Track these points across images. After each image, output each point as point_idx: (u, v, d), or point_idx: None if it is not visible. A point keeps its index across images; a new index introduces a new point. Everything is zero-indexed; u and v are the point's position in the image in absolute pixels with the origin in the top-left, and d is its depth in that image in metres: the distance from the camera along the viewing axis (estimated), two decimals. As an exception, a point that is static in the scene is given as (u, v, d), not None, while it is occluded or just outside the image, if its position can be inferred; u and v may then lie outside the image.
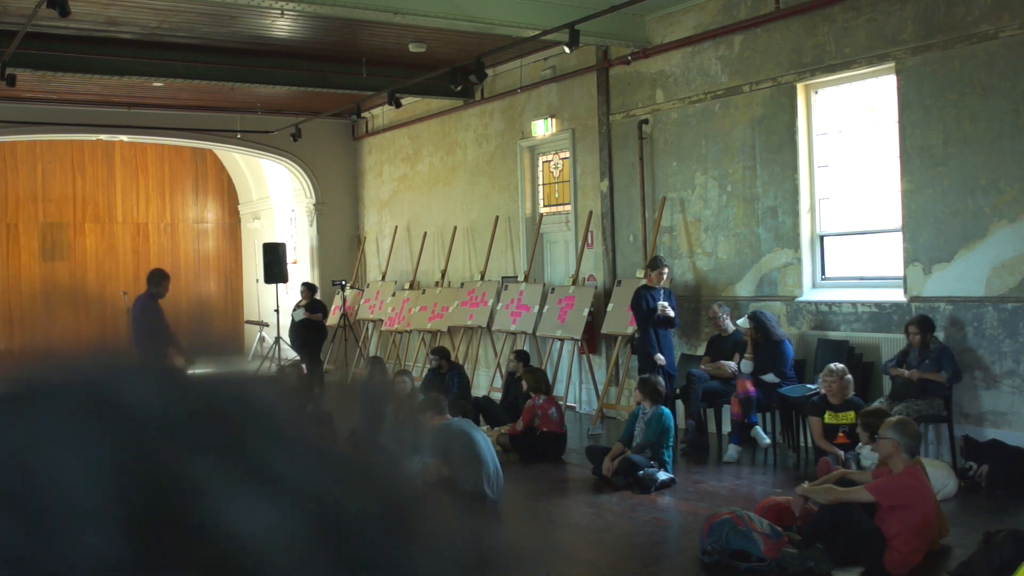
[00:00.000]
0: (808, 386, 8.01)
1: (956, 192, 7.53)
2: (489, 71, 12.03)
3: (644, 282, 9.21)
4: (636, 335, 9.36)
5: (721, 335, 8.96)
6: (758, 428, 8.06)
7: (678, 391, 8.94)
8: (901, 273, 7.99)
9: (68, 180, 18.28)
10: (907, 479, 5.17)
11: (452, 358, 10.86)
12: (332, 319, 14.70)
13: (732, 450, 8.12)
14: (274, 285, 15.60)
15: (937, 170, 7.65)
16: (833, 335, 8.42)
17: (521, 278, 12.07)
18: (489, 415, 9.58)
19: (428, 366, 11.80)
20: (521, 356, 10.25)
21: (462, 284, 13.15)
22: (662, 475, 7.25)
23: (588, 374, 10.93)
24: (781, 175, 8.92)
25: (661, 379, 8.27)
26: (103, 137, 16.02)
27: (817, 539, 5.27)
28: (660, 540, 6.12)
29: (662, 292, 8.96)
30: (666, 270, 9.03)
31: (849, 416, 7.05)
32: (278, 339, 15.31)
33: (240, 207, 19.70)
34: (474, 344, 12.45)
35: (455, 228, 13.58)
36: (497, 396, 10.65)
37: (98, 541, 0.48)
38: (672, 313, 8.87)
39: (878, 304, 8.14)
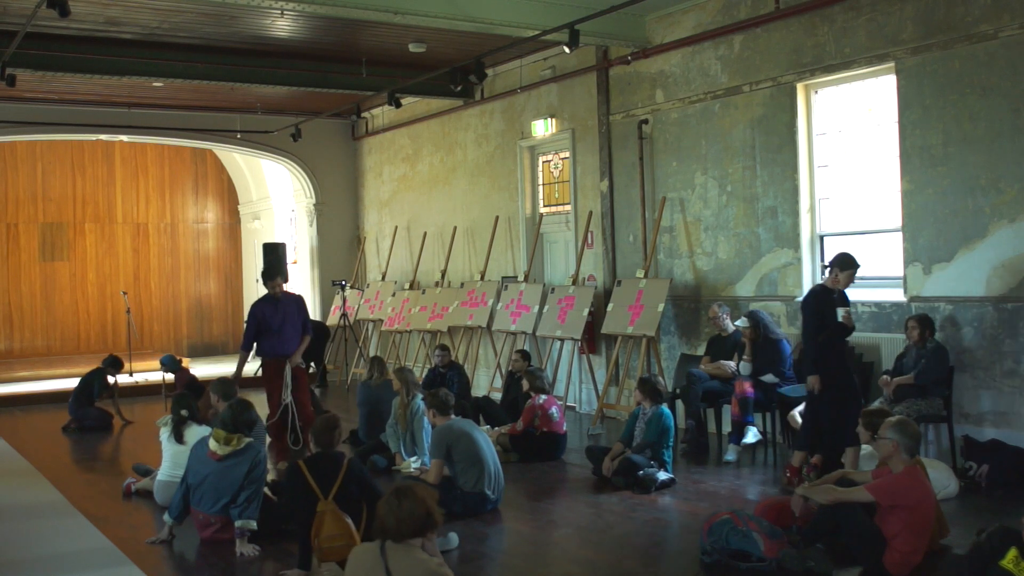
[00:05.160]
0: (808, 386, 8.00)
1: (956, 192, 7.54)
2: (489, 71, 12.04)
3: (822, 283, 7.32)
4: (799, 350, 7.54)
5: (721, 335, 8.96)
6: (750, 428, 8.05)
7: (677, 391, 8.93)
8: (901, 273, 7.99)
9: (68, 180, 18.28)
10: (907, 479, 5.17)
11: (452, 358, 10.88)
12: (332, 319, 14.72)
13: (732, 450, 8.13)
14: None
15: (937, 170, 7.65)
16: (833, 335, 8.41)
17: (521, 278, 12.07)
18: (489, 415, 9.59)
19: (428, 366, 11.81)
20: (526, 356, 10.28)
21: (462, 284, 13.15)
22: (662, 475, 7.25)
23: (588, 374, 10.93)
24: (781, 175, 8.92)
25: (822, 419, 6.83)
26: (103, 137, 16.03)
27: (817, 539, 5.28)
28: (660, 540, 6.11)
29: (836, 295, 7.10)
30: (858, 270, 7.15)
31: None
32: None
33: (240, 207, 19.70)
34: (474, 344, 12.46)
35: (455, 228, 13.58)
36: (497, 396, 10.65)
37: None
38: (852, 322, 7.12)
39: (878, 304, 8.14)
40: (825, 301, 6.98)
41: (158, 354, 17.71)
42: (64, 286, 18.26)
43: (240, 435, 6.13)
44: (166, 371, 11.78)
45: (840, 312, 6.94)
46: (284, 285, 8.88)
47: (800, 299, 8.73)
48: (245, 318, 9.50)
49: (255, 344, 8.79)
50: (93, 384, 11.22)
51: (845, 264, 7.01)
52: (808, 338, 7.03)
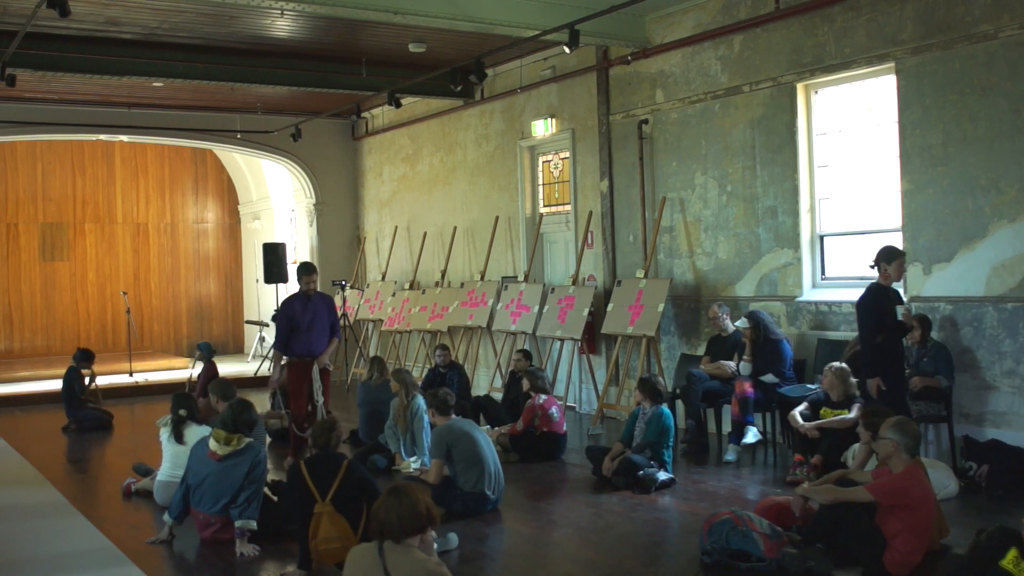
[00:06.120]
0: (808, 386, 8.01)
1: (956, 192, 7.53)
2: (489, 71, 12.04)
3: (877, 280, 6.95)
4: (857, 349, 7.30)
5: (721, 335, 8.96)
6: (750, 428, 8.05)
7: (677, 391, 8.94)
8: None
9: (68, 180, 18.29)
10: (907, 479, 5.17)
11: (452, 358, 10.88)
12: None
13: (732, 450, 8.13)
14: (274, 285, 15.60)
15: (937, 170, 7.65)
16: (833, 335, 8.42)
17: (521, 278, 12.07)
18: (490, 414, 9.59)
19: (428, 366, 11.81)
20: (528, 355, 10.29)
21: (462, 284, 13.15)
22: (662, 475, 7.25)
23: (588, 374, 10.93)
24: (781, 175, 8.92)
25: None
26: (103, 137, 16.03)
27: (817, 539, 5.28)
28: (660, 540, 6.11)
29: (893, 293, 6.94)
30: (905, 258, 6.99)
31: (845, 413, 7.10)
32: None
33: (240, 207, 19.70)
34: (474, 344, 12.46)
35: (455, 228, 13.58)
36: (497, 396, 10.65)
37: None
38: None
39: (878, 304, 8.12)
40: (883, 300, 6.77)
41: (158, 354, 17.81)
42: (64, 286, 18.27)
43: (240, 435, 6.13)
44: (199, 357, 11.79)
45: (900, 310, 6.79)
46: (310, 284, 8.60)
47: (800, 299, 8.76)
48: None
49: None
50: (73, 384, 11.21)
51: (891, 256, 6.85)
52: (866, 339, 6.82)
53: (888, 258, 6.85)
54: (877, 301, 6.79)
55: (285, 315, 8.49)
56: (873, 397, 6.74)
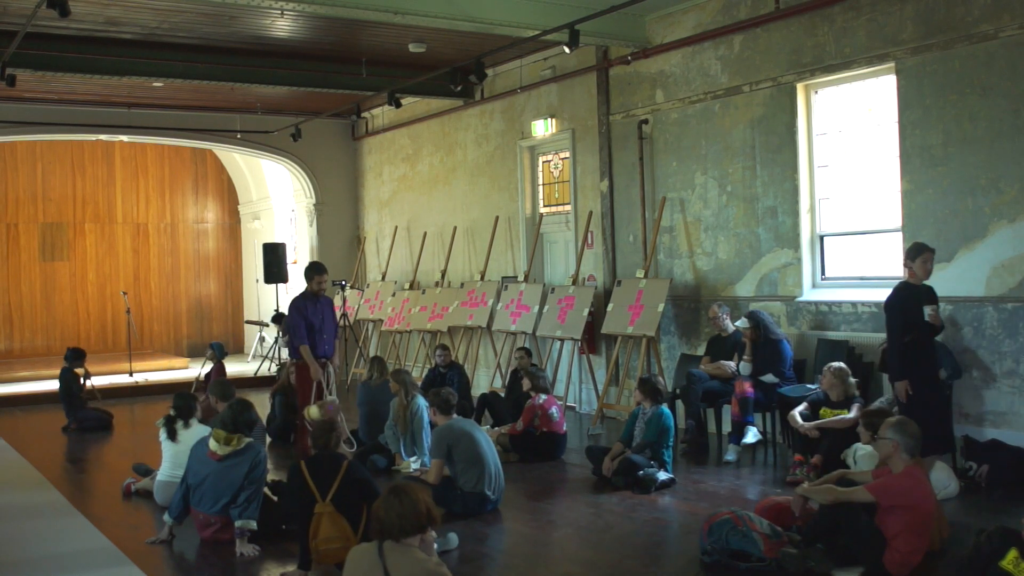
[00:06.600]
0: (808, 386, 8.01)
1: (956, 192, 7.53)
2: (489, 71, 12.04)
3: (904, 279, 6.81)
4: (884, 348, 7.17)
5: (721, 335, 8.96)
6: (750, 428, 8.05)
7: (677, 391, 8.94)
8: (901, 273, 7.96)
9: (68, 180, 18.29)
10: (907, 479, 5.17)
11: (452, 358, 10.89)
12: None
13: (732, 450, 8.12)
14: (274, 285, 15.62)
15: (937, 170, 7.65)
16: (833, 335, 8.42)
17: (521, 278, 12.07)
18: (496, 411, 9.62)
19: (428, 366, 11.81)
20: (529, 353, 10.31)
21: (462, 284, 13.15)
22: (662, 475, 7.25)
23: (588, 374, 10.93)
24: (781, 175, 8.92)
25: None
26: (103, 137, 16.03)
27: (817, 539, 5.27)
28: (660, 540, 6.11)
29: (924, 292, 6.70)
30: (932, 253, 6.75)
31: (844, 413, 7.10)
32: (278, 339, 15.33)
33: (240, 207, 19.70)
34: (474, 344, 12.46)
35: (455, 228, 13.58)
36: (500, 395, 10.65)
37: None
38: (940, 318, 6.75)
39: (878, 304, 8.09)
40: (910, 299, 6.58)
41: (158, 354, 17.81)
42: (64, 286, 18.27)
43: (240, 435, 6.13)
44: (210, 357, 11.86)
45: (927, 310, 6.56)
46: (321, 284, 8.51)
47: (800, 299, 8.76)
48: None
49: (288, 343, 8.46)
50: (71, 385, 11.18)
51: (915, 252, 6.65)
52: (893, 340, 6.63)
53: (912, 254, 6.68)
54: (903, 300, 6.60)
55: (300, 314, 8.41)
56: (903, 401, 6.59)
